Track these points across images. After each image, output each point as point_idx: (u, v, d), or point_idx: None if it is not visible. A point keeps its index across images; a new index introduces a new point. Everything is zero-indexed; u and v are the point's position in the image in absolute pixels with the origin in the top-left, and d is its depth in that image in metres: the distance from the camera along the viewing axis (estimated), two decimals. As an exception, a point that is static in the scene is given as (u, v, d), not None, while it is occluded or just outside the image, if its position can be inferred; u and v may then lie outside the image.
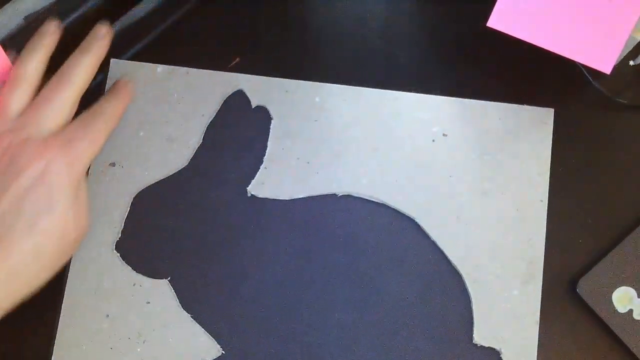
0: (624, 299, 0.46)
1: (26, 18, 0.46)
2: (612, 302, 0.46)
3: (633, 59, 0.50)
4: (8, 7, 0.46)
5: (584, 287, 0.46)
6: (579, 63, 0.47)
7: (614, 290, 0.46)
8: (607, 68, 0.45)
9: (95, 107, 0.44)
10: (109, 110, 0.44)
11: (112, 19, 0.51)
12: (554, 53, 0.44)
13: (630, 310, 0.46)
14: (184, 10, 0.53)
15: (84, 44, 0.44)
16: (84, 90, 0.44)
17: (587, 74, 0.49)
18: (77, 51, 0.44)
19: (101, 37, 0.44)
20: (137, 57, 0.52)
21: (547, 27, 0.45)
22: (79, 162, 0.41)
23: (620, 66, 0.50)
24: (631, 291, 0.46)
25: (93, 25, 0.45)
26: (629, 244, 0.47)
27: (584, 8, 0.45)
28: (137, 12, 0.53)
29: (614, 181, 0.49)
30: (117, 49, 0.52)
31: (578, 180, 0.49)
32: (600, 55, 0.45)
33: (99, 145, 0.43)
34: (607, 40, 0.45)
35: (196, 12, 0.53)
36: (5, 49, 0.44)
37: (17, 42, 0.46)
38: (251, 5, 0.53)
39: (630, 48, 0.48)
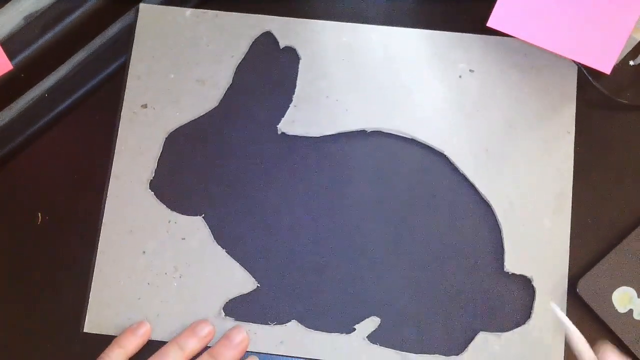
0: (624, 299, 0.46)
1: (26, 18, 0.47)
2: (612, 302, 0.46)
3: (633, 59, 0.50)
4: (8, 7, 0.46)
5: (584, 287, 0.46)
6: (579, 63, 0.47)
7: (614, 290, 0.46)
8: (607, 68, 0.45)
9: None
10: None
11: (112, 18, 0.51)
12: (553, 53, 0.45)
13: (630, 310, 0.45)
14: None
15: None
16: None
17: (587, 74, 0.49)
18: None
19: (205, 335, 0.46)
20: (166, 1, 0.53)
21: (547, 27, 0.45)
22: None
23: (620, 66, 0.50)
24: (631, 291, 0.46)
25: (93, 25, 0.45)
26: (629, 244, 0.46)
27: (584, 8, 0.45)
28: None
29: (614, 181, 0.49)
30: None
31: (578, 180, 0.49)
32: (600, 55, 0.45)
33: None
34: (607, 40, 0.45)
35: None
36: (5, 49, 0.44)
37: (17, 42, 0.46)
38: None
39: (630, 48, 0.48)
